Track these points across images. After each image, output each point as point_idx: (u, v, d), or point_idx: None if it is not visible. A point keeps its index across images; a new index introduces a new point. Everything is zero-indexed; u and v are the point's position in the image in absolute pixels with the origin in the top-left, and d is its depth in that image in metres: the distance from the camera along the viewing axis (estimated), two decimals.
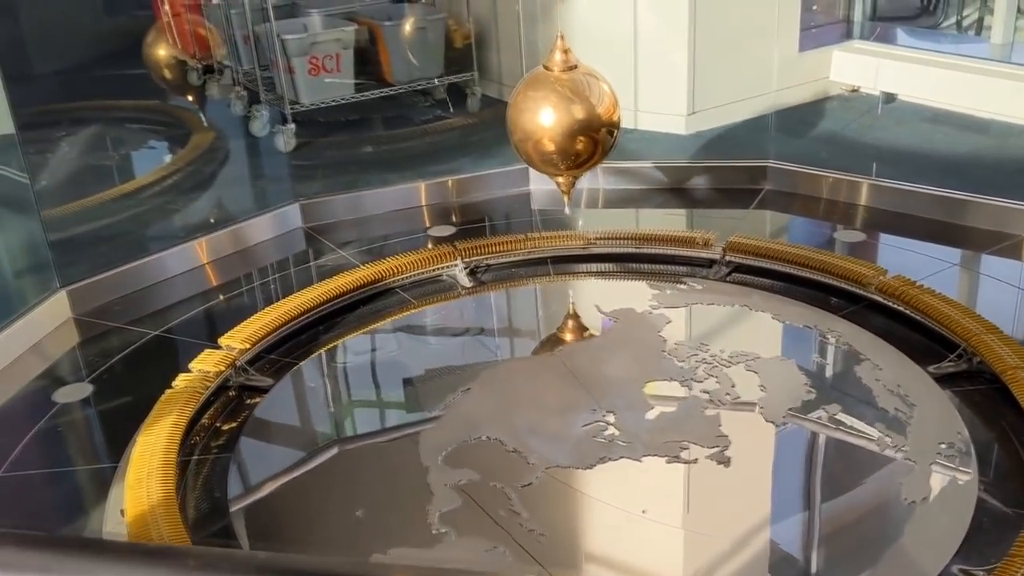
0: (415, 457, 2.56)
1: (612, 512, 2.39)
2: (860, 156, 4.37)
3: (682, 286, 3.40)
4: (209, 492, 2.51)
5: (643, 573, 2.25)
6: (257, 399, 2.89)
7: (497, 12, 5.36)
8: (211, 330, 3.27)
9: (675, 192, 4.32)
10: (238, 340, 3.01)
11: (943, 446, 2.49)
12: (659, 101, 4.78)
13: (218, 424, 2.80)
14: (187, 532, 2.29)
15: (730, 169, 4.35)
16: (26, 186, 3.44)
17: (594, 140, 3.18)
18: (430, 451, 2.57)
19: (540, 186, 4.21)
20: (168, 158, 5.34)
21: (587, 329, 3.26)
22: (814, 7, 5.54)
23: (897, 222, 3.91)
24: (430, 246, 3.80)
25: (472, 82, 5.38)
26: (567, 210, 3.51)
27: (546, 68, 3.20)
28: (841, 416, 2.65)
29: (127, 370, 3.12)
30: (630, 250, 3.61)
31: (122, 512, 2.36)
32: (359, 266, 3.56)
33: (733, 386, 2.78)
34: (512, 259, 3.62)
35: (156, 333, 3.32)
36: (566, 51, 3.17)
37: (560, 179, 3.38)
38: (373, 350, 3.28)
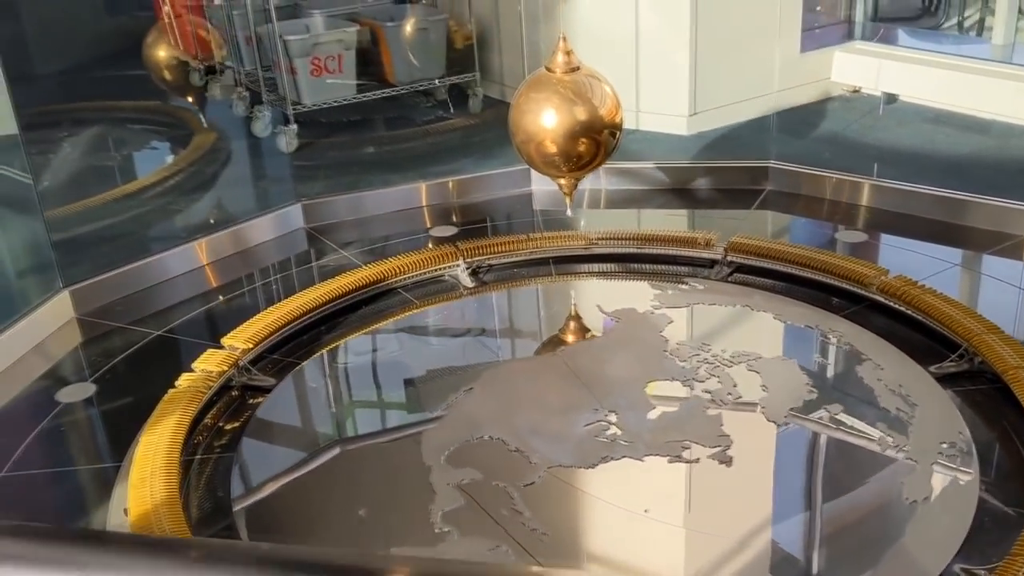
0: (417, 457, 2.57)
1: (614, 511, 2.39)
2: (862, 157, 4.38)
3: (684, 286, 3.41)
4: (212, 491, 2.52)
5: (645, 572, 2.25)
6: (260, 399, 2.90)
7: (499, 13, 5.37)
8: (213, 330, 3.27)
9: (677, 193, 4.33)
10: (241, 340, 3.02)
11: (944, 446, 2.50)
12: (661, 102, 4.79)
13: (221, 424, 2.81)
14: (190, 531, 2.29)
15: (732, 170, 4.35)
16: (29, 186, 3.45)
17: (596, 142, 3.18)
18: (433, 451, 2.58)
19: (542, 187, 4.22)
20: (170, 159, 5.34)
21: (589, 329, 3.27)
22: (818, 8, 5.53)
23: (898, 222, 3.91)
24: (430, 246, 3.81)
25: (474, 83, 5.38)
26: (569, 212, 3.51)
27: (548, 70, 3.20)
28: (842, 416, 2.66)
29: (130, 370, 3.13)
30: (632, 250, 3.62)
31: (126, 511, 2.37)
32: (361, 266, 3.56)
33: (735, 386, 2.79)
34: (514, 259, 3.63)
35: (158, 333, 3.32)
36: (568, 53, 3.17)
37: (562, 181, 3.38)
38: (375, 350, 3.29)
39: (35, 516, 2.53)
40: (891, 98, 5.11)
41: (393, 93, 5.30)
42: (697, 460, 2.50)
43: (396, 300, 3.45)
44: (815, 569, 2.24)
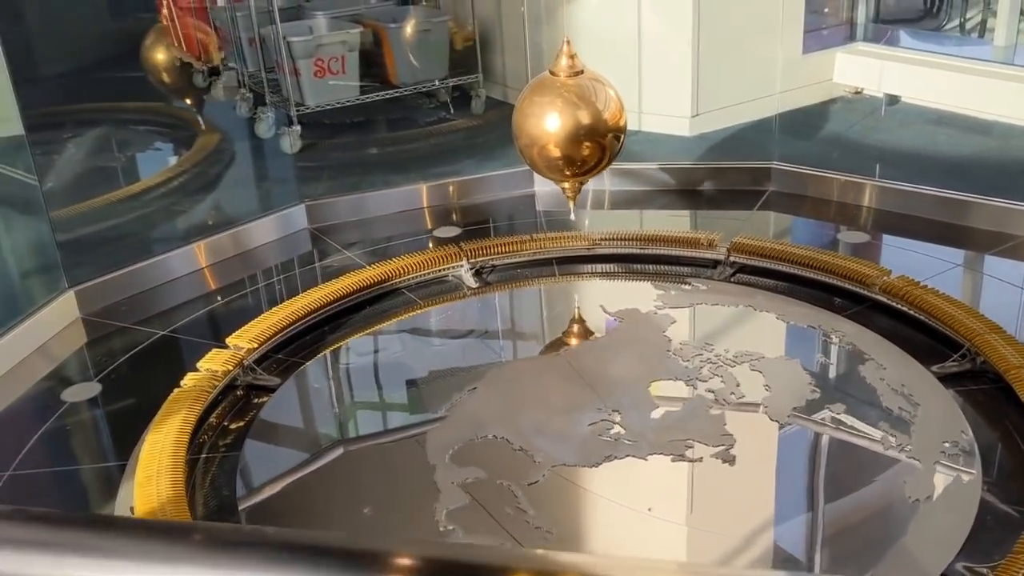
0: (422, 456, 2.58)
1: (617, 510, 2.41)
2: (864, 158, 4.39)
3: (687, 287, 3.42)
4: (218, 490, 2.53)
5: None
6: (265, 398, 2.91)
7: (502, 14, 5.38)
8: (218, 330, 3.29)
9: (679, 193, 4.34)
10: (246, 340, 3.03)
11: (947, 445, 2.51)
12: (663, 103, 4.80)
13: (226, 423, 2.82)
14: None
15: (734, 171, 4.36)
16: (34, 187, 3.46)
17: (600, 145, 3.18)
18: (437, 449, 2.59)
19: (545, 187, 4.23)
20: (174, 160, 5.36)
21: (592, 330, 3.28)
22: (826, 10, 5.54)
23: (901, 223, 3.92)
24: (430, 246, 3.83)
25: (477, 84, 5.40)
26: (572, 216, 3.52)
27: (552, 73, 3.21)
28: (845, 415, 2.67)
29: (135, 370, 3.14)
30: (635, 251, 3.63)
31: (131, 510, 2.38)
32: (365, 267, 3.58)
33: (738, 385, 2.80)
34: (517, 260, 3.64)
35: (163, 333, 3.34)
36: (572, 56, 3.18)
37: (566, 185, 3.38)
38: (380, 351, 3.30)
39: None
40: (893, 99, 5.12)
41: (396, 94, 5.31)
42: (700, 459, 2.51)
43: (400, 300, 3.47)
44: (818, 567, 2.25)
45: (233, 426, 2.80)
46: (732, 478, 2.46)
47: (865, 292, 3.22)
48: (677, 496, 2.48)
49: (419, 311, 3.41)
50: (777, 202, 4.19)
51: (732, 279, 3.47)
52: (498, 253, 3.62)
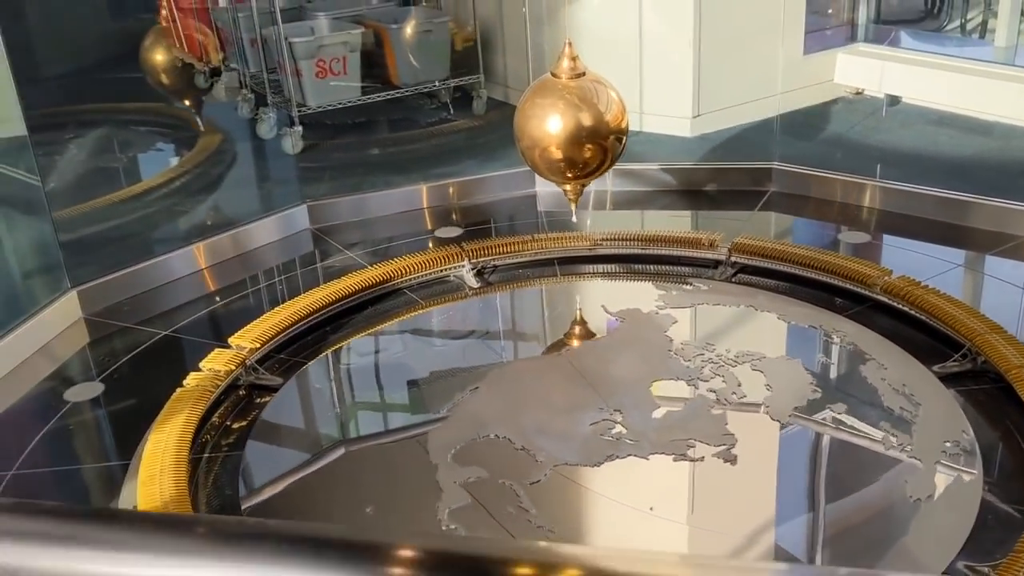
0: (424, 456, 2.59)
1: (619, 509, 2.41)
2: (865, 158, 4.39)
3: (688, 287, 3.43)
4: (220, 490, 2.54)
5: None
6: (267, 398, 2.92)
7: (503, 15, 5.39)
8: (220, 330, 3.30)
9: (681, 194, 4.35)
10: (248, 339, 3.03)
11: (948, 445, 2.51)
12: (664, 104, 4.80)
13: (228, 423, 2.83)
14: None
15: (735, 171, 4.37)
16: (37, 188, 3.47)
17: (602, 147, 3.18)
18: (439, 449, 2.59)
19: (546, 188, 4.23)
20: (176, 160, 5.37)
21: (594, 330, 3.28)
22: (829, 11, 5.55)
23: (902, 223, 3.93)
24: (430, 246, 3.84)
25: (478, 85, 5.40)
26: (574, 218, 3.52)
27: (553, 75, 3.20)
28: (847, 415, 2.67)
29: (137, 369, 3.15)
30: (636, 251, 3.63)
31: (135, 508, 2.38)
32: (366, 267, 3.58)
33: (739, 385, 2.80)
34: (519, 260, 3.65)
35: (165, 333, 3.34)
36: (574, 58, 3.17)
37: (567, 187, 3.38)
38: (381, 351, 3.31)
39: None
40: (894, 100, 5.13)
41: (397, 95, 5.32)
42: (702, 459, 2.51)
43: (402, 300, 3.47)
44: (819, 564, 2.25)
45: (235, 426, 2.81)
46: (733, 478, 2.47)
47: (866, 292, 3.23)
48: (678, 495, 2.49)
49: (421, 311, 3.42)
50: (778, 202, 4.19)
51: (733, 279, 3.48)
52: (500, 253, 3.63)
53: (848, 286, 3.27)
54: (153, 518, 0.90)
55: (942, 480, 2.42)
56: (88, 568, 0.67)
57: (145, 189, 4.71)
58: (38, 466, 2.70)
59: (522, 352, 3.30)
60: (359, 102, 5.19)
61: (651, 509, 2.39)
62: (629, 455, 2.53)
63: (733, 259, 3.51)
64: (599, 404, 2.75)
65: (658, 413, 2.72)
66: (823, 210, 4.11)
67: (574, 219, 3.53)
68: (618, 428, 2.63)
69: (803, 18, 5.02)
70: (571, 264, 3.67)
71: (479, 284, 3.54)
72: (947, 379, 2.80)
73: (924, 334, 3.05)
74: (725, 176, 4.36)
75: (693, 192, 4.34)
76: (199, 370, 2.89)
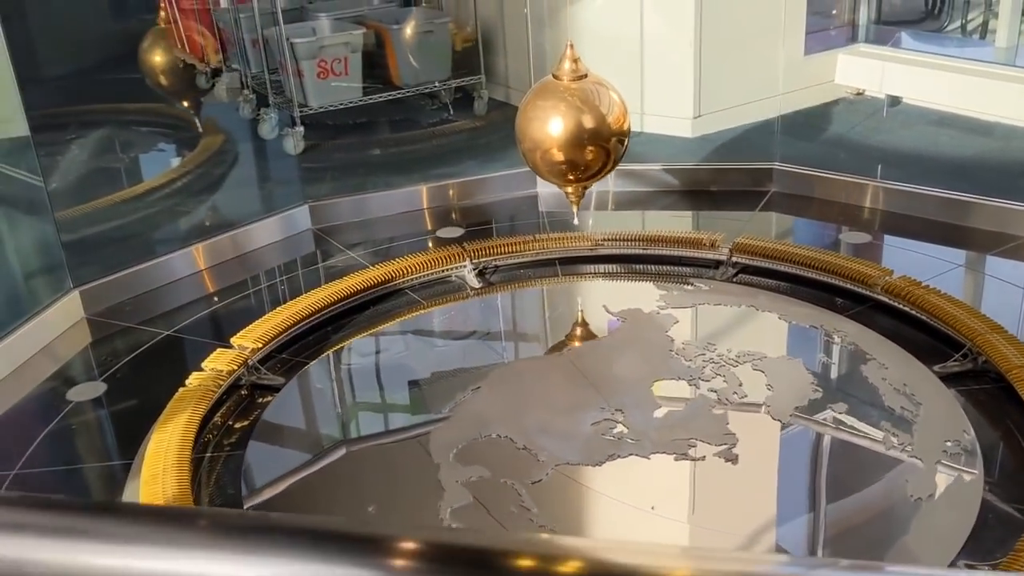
0: (426, 455, 2.59)
1: (620, 508, 2.42)
2: (866, 159, 4.40)
3: (689, 287, 3.43)
4: (223, 489, 2.54)
5: None
6: (269, 398, 2.93)
7: (504, 15, 5.39)
8: (222, 330, 3.30)
9: (682, 194, 4.35)
10: (250, 339, 3.04)
11: (949, 444, 2.52)
12: (665, 104, 4.81)
13: (230, 422, 2.83)
14: None
15: (736, 171, 4.38)
16: (40, 188, 3.48)
17: (604, 150, 3.18)
18: (441, 448, 2.60)
19: (547, 188, 4.24)
20: (178, 161, 5.38)
21: (595, 331, 3.29)
22: (833, 11, 5.55)
23: (903, 224, 3.93)
24: (430, 246, 3.84)
25: (479, 85, 5.41)
26: (575, 221, 3.53)
27: (555, 77, 3.20)
28: (847, 415, 2.68)
29: (139, 369, 3.16)
30: (637, 251, 3.64)
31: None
32: (368, 267, 3.59)
33: (740, 385, 2.81)
34: (520, 260, 3.65)
35: (167, 333, 3.35)
36: (575, 60, 3.17)
37: (569, 189, 3.38)
38: (383, 351, 3.31)
39: None
40: (895, 100, 5.13)
41: (399, 96, 5.33)
42: (703, 458, 2.52)
43: (403, 301, 3.48)
44: None
45: (238, 425, 2.81)
46: (735, 477, 2.47)
47: (867, 292, 3.23)
48: (680, 495, 2.49)
49: (422, 311, 3.42)
50: (779, 203, 4.20)
51: (734, 279, 3.49)
52: (501, 253, 3.64)
53: (849, 286, 3.28)
54: (155, 511, 0.91)
55: (943, 480, 2.42)
56: (91, 560, 0.67)
57: (147, 189, 4.72)
58: (41, 465, 2.71)
59: (523, 352, 3.31)
60: (360, 103, 5.19)
61: (652, 508, 2.39)
62: (630, 454, 2.53)
63: (734, 259, 3.52)
64: (601, 404, 2.76)
65: (659, 413, 2.72)
66: (824, 210, 4.12)
67: (576, 221, 3.54)
68: (619, 428, 2.64)
69: (804, 19, 5.02)
70: (572, 264, 3.68)
71: (480, 284, 3.55)
72: (948, 379, 2.81)
73: (925, 334, 3.05)
74: (726, 176, 4.37)
75: (694, 192, 4.35)
76: (201, 370, 2.90)
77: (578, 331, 3.30)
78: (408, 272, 3.50)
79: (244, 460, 2.64)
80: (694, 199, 4.32)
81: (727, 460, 2.50)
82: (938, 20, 6.14)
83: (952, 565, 2.14)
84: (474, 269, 3.56)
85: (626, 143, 3.25)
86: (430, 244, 3.94)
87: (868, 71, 5.18)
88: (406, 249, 3.79)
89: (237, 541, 0.67)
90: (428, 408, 2.92)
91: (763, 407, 2.72)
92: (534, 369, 3.07)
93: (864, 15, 5.59)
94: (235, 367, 2.92)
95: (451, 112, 5.44)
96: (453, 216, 4.24)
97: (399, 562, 0.61)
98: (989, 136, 4.67)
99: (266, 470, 2.67)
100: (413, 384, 3.06)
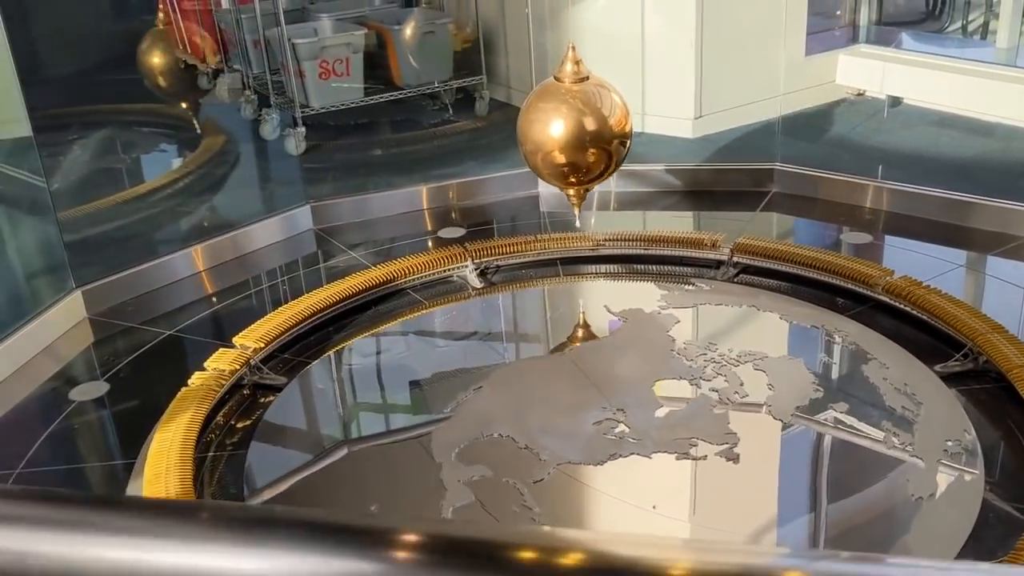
0: (428, 455, 2.60)
1: (622, 507, 2.42)
2: (866, 159, 4.40)
3: (690, 287, 3.44)
4: (225, 488, 2.55)
5: None
6: (271, 397, 2.93)
7: (505, 16, 5.40)
8: (224, 330, 3.30)
9: (683, 194, 4.36)
10: (252, 339, 3.05)
11: (950, 444, 2.52)
12: (666, 105, 4.82)
13: (233, 422, 2.84)
14: None
15: (737, 172, 4.38)
16: (42, 188, 3.48)
17: (606, 152, 3.18)
18: (443, 448, 2.61)
19: (549, 189, 4.24)
20: (180, 161, 5.38)
21: (597, 329, 3.29)
22: (838, 12, 5.56)
23: (903, 224, 3.94)
24: (429, 245, 3.85)
25: (480, 86, 5.42)
26: (578, 223, 3.53)
27: (557, 79, 3.20)
28: (849, 414, 2.68)
29: (142, 369, 3.16)
30: (639, 251, 3.65)
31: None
32: (370, 267, 3.60)
33: (741, 385, 2.81)
34: (522, 260, 3.66)
35: (170, 333, 3.36)
36: (577, 62, 3.17)
37: (571, 191, 3.38)
38: (385, 352, 3.32)
39: None
40: (896, 101, 5.14)
41: (400, 96, 5.34)
42: (704, 457, 2.52)
43: (405, 301, 3.49)
44: None
45: (240, 425, 2.82)
46: (736, 477, 2.48)
47: (868, 292, 3.24)
48: (681, 494, 2.50)
49: (424, 311, 3.43)
50: (780, 203, 4.20)
51: (735, 279, 3.49)
52: (502, 253, 3.64)
53: (850, 286, 3.29)
54: (158, 504, 0.91)
55: (944, 479, 2.43)
56: (94, 552, 0.67)
57: (149, 190, 4.73)
58: (43, 465, 2.71)
59: (524, 352, 3.32)
60: (362, 103, 5.20)
61: (654, 507, 2.40)
62: (632, 454, 2.54)
63: (735, 259, 3.52)
64: (602, 403, 2.76)
65: (661, 412, 2.73)
66: (825, 211, 4.12)
67: (578, 224, 3.54)
68: (621, 427, 2.65)
69: (805, 20, 5.03)
70: (574, 264, 3.68)
71: (482, 284, 3.55)
72: (949, 379, 2.81)
73: (926, 334, 3.06)
74: (727, 177, 4.37)
75: (695, 193, 4.35)
76: (204, 369, 2.91)
77: (579, 333, 3.31)
78: (410, 272, 3.51)
79: (245, 460, 2.64)
80: (695, 199, 4.32)
81: (728, 459, 2.51)
82: (939, 21, 6.14)
83: None
84: (476, 269, 3.57)
85: (628, 145, 3.25)
86: (429, 244, 3.95)
87: (869, 72, 5.19)
88: (407, 249, 3.80)
89: (239, 533, 0.67)
90: (429, 409, 2.93)
91: (764, 407, 2.73)
92: (536, 369, 3.07)
93: (865, 16, 5.59)
94: (237, 367, 2.93)
95: (450, 112, 5.45)
96: (454, 216, 4.25)
97: (401, 554, 0.62)
98: (990, 137, 4.68)
99: (268, 470, 2.67)
100: (414, 384, 3.06)
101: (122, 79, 6.03)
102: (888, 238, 3.89)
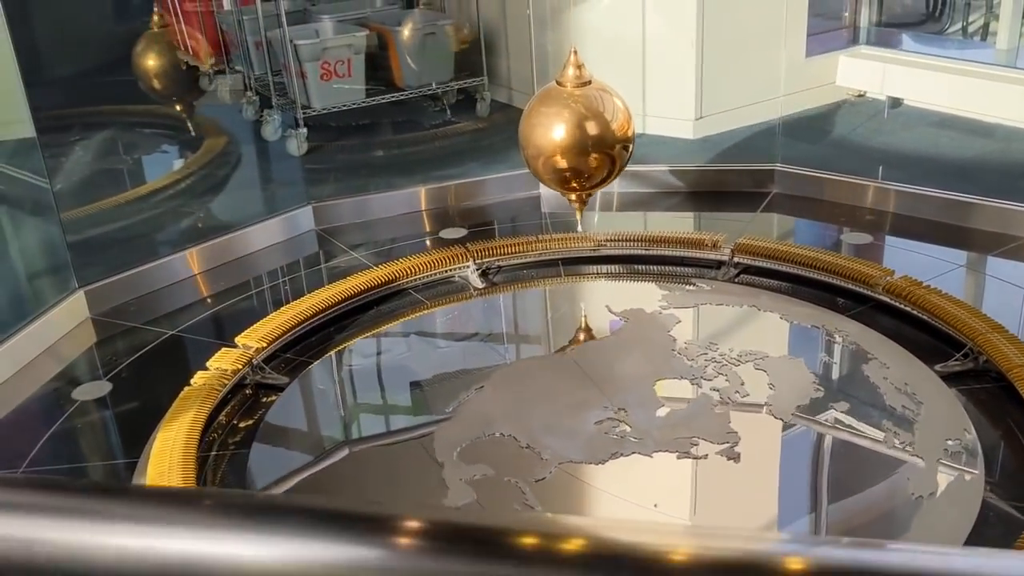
0: (430, 454, 2.61)
1: (623, 506, 2.43)
2: (867, 160, 4.41)
3: (691, 287, 3.44)
4: (227, 487, 2.55)
5: None
6: (273, 397, 2.94)
7: (506, 17, 5.41)
8: (226, 330, 3.31)
9: (684, 195, 4.37)
10: (255, 339, 3.06)
11: (950, 443, 2.53)
12: (667, 106, 4.83)
13: (235, 421, 2.85)
14: None
15: (738, 172, 4.39)
16: (46, 189, 3.50)
17: (608, 156, 3.18)
18: (445, 447, 2.61)
19: (550, 189, 4.25)
20: (181, 162, 5.40)
21: (598, 330, 3.30)
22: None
23: (903, 224, 3.95)
24: (428, 245, 3.86)
25: (482, 87, 5.43)
26: (580, 228, 3.53)
27: (559, 83, 3.19)
28: (849, 414, 2.69)
29: (144, 369, 3.17)
30: (640, 252, 3.65)
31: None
32: (371, 267, 3.60)
33: (742, 384, 2.82)
34: (523, 260, 3.67)
35: (172, 333, 3.36)
36: (579, 66, 3.17)
37: (572, 196, 3.39)
38: (387, 352, 3.32)
39: None
40: (896, 102, 5.14)
41: (401, 97, 5.35)
42: (705, 456, 2.53)
43: (407, 301, 3.49)
44: None
45: (242, 424, 2.83)
46: (736, 475, 2.49)
47: (868, 292, 3.25)
48: (682, 493, 2.51)
49: (426, 311, 3.44)
50: (781, 204, 4.21)
51: (736, 280, 3.50)
52: (504, 254, 3.65)
53: (850, 286, 3.29)
54: (161, 492, 0.92)
55: (944, 478, 2.43)
56: (100, 539, 0.68)
57: (152, 190, 4.74)
58: (46, 464, 2.72)
59: (526, 353, 3.32)
60: (363, 104, 5.21)
61: (655, 506, 2.41)
62: (633, 453, 2.55)
63: (736, 260, 3.53)
64: (604, 403, 2.77)
65: (662, 412, 2.74)
66: (825, 211, 4.13)
67: (580, 229, 3.55)
68: (622, 426, 2.65)
69: (805, 21, 5.04)
70: (575, 265, 3.69)
71: (484, 284, 3.56)
72: (949, 378, 2.82)
73: (926, 334, 3.06)
74: (728, 178, 4.38)
75: (696, 194, 4.36)
76: (206, 369, 2.92)
77: (581, 336, 3.31)
78: (412, 272, 3.51)
79: (248, 461, 2.65)
80: (696, 200, 4.33)
81: (729, 459, 2.52)
82: (939, 22, 6.15)
83: None
84: (477, 269, 3.58)
85: (631, 149, 3.24)
86: (428, 243, 3.96)
87: (869, 73, 5.20)
88: (409, 250, 3.81)
89: (242, 520, 0.68)
90: (430, 409, 2.93)
91: (765, 406, 2.73)
92: (537, 368, 3.08)
93: (865, 17, 5.60)
94: (240, 366, 2.94)
95: (448, 114, 5.46)
96: (456, 217, 4.25)
97: (403, 540, 0.62)
98: (990, 137, 4.69)
99: (269, 470, 2.68)
100: (415, 385, 3.07)
101: (125, 80, 6.04)
102: (888, 238, 3.90)
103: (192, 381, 2.85)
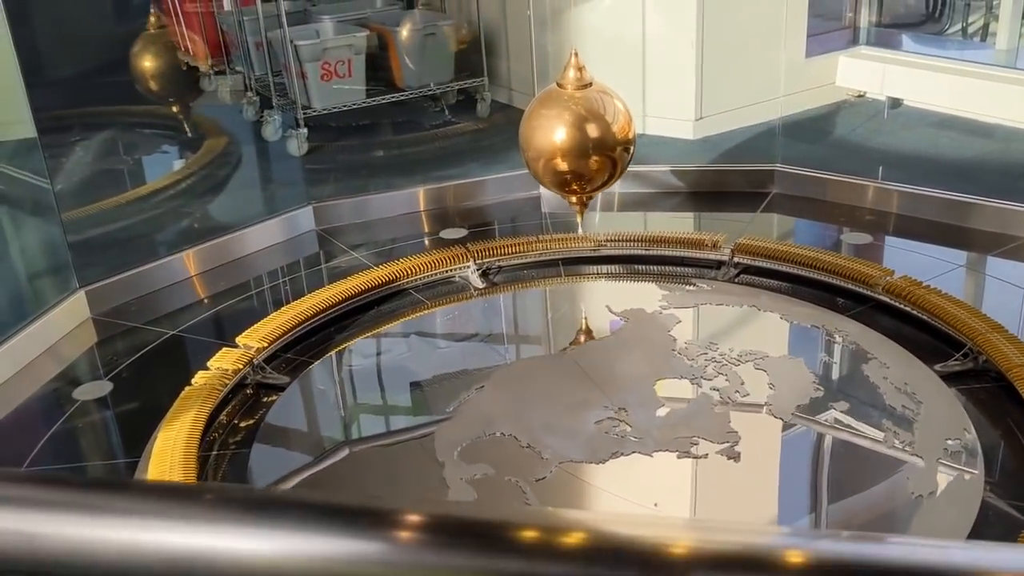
0: (430, 454, 2.61)
1: (624, 505, 2.43)
2: (867, 160, 4.42)
3: (691, 287, 3.45)
4: None
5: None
6: (274, 397, 2.94)
7: (507, 17, 5.42)
8: (227, 330, 3.32)
9: (684, 195, 4.37)
10: (255, 339, 3.06)
11: (950, 443, 2.53)
12: (667, 106, 4.83)
13: (236, 421, 2.85)
14: None
15: (738, 173, 4.39)
16: (47, 190, 3.50)
17: (609, 159, 3.18)
18: (446, 446, 2.62)
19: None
20: (182, 162, 5.40)
21: (598, 330, 3.30)
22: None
23: (903, 225, 3.95)
24: (427, 245, 3.86)
25: (482, 88, 5.43)
26: (580, 231, 3.53)
27: (559, 86, 3.19)
28: (849, 414, 2.69)
29: (145, 368, 3.18)
30: (640, 252, 3.66)
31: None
32: (372, 267, 3.61)
33: (742, 384, 2.82)
34: (524, 261, 3.67)
35: (173, 333, 3.37)
36: (580, 68, 3.16)
37: (573, 198, 3.39)
38: (387, 352, 3.33)
39: None
40: (896, 103, 5.15)
41: (402, 98, 5.35)
42: (705, 456, 2.53)
43: (408, 301, 3.50)
44: None
45: (243, 424, 2.83)
46: (736, 475, 2.49)
47: (868, 292, 3.25)
48: (682, 492, 2.51)
49: (426, 312, 3.44)
50: (781, 204, 4.21)
51: (736, 280, 3.50)
52: (504, 254, 3.65)
53: (850, 286, 3.30)
54: (163, 486, 0.92)
55: (943, 478, 2.44)
56: (102, 533, 0.68)
57: (152, 191, 4.74)
58: (47, 463, 2.72)
59: (526, 353, 3.32)
60: (363, 104, 5.21)
61: (655, 505, 2.41)
62: (633, 452, 2.55)
63: (736, 260, 3.53)
64: (604, 402, 2.77)
65: (662, 411, 2.74)
66: (825, 211, 4.13)
67: (581, 231, 3.55)
68: (623, 426, 2.66)
69: (805, 21, 5.04)
70: (575, 265, 3.69)
71: (484, 285, 3.57)
72: (949, 378, 2.82)
73: (926, 334, 3.07)
74: (728, 178, 4.39)
75: (696, 194, 4.36)
76: (207, 369, 2.92)
77: (581, 325, 3.32)
78: (412, 272, 3.52)
79: (248, 460, 2.65)
80: (696, 200, 4.33)
81: (729, 458, 2.52)
82: (939, 23, 6.15)
83: None
84: (478, 270, 3.58)
85: (632, 151, 3.24)
86: (427, 244, 3.96)
87: (869, 73, 5.20)
88: (409, 250, 3.81)
89: (243, 514, 0.68)
90: (431, 409, 2.94)
91: (765, 406, 2.74)
92: (538, 368, 3.08)
93: (865, 18, 5.61)
94: (240, 366, 2.94)
95: (447, 115, 5.46)
96: (456, 217, 4.26)
97: (404, 534, 0.62)
98: (989, 138, 4.69)
99: (270, 470, 2.68)
100: (415, 385, 3.07)
101: (125, 81, 6.05)
102: (888, 238, 3.90)
103: (193, 381, 2.85)
